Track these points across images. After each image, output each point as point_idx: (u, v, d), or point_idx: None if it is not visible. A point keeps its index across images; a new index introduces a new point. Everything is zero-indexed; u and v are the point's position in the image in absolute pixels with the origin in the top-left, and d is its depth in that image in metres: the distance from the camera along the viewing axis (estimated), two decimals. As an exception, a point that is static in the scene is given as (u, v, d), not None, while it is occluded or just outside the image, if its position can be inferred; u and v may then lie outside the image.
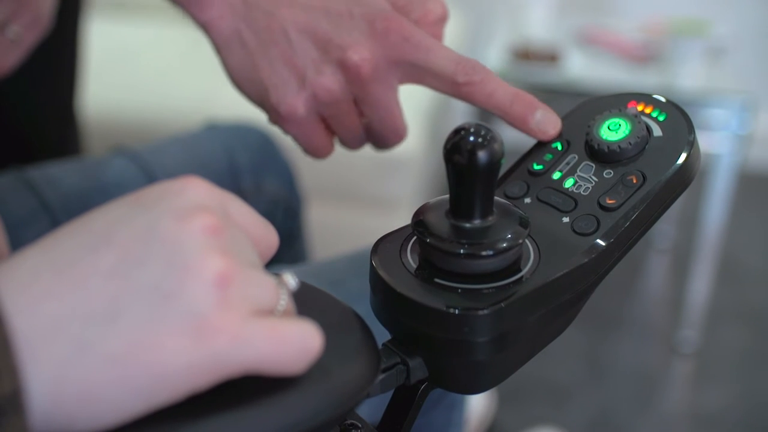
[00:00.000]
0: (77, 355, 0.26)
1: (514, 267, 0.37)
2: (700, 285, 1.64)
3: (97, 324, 0.26)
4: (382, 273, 0.37)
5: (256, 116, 0.58)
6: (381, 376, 0.35)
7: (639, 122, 0.42)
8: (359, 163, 1.49)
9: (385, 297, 0.37)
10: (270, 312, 0.29)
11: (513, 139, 0.46)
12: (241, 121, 0.82)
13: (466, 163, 0.36)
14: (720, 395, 1.57)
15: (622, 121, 0.43)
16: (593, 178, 0.42)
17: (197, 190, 0.29)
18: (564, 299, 0.38)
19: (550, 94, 1.58)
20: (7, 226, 0.55)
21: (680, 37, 1.67)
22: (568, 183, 0.42)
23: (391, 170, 1.52)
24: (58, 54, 0.96)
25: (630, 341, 1.74)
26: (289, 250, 0.81)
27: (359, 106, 0.50)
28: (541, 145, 0.45)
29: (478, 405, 1.36)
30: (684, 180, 0.41)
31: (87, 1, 1.00)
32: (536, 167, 0.44)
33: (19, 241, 0.57)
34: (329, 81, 0.48)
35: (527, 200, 0.42)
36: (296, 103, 0.49)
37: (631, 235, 0.40)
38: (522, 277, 0.37)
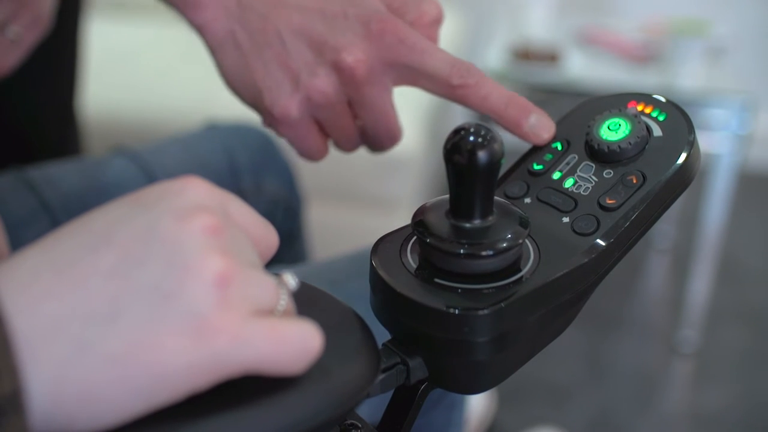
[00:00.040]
0: (77, 355, 0.26)
1: (514, 267, 0.37)
2: (700, 285, 1.64)
3: (97, 324, 0.26)
4: (382, 273, 0.37)
5: (256, 116, 0.58)
6: (381, 376, 0.35)
7: (639, 122, 0.42)
8: (359, 163, 1.49)
9: (385, 297, 0.37)
10: (270, 312, 0.29)
11: (513, 139, 0.46)
12: (241, 121, 0.82)
13: (466, 163, 0.36)
14: (720, 395, 1.57)
15: (622, 121, 0.43)
16: (593, 178, 0.42)
17: (197, 190, 0.29)
18: (564, 299, 0.38)
19: (550, 94, 1.58)
20: (7, 226, 0.55)
21: (680, 37, 1.67)
22: (568, 183, 0.42)
23: (391, 170, 1.52)
24: (58, 54, 0.96)
25: (630, 341, 1.74)
26: (289, 250, 0.81)
27: (354, 108, 0.50)
28: (541, 146, 0.45)
29: (478, 405, 1.36)
30: (684, 180, 0.41)
31: (87, 1, 1.00)
32: (536, 167, 0.44)
33: (19, 241, 0.57)
34: (323, 83, 0.47)
35: (527, 200, 0.42)
36: (290, 105, 0.48)
37: (631, 235, 0.40)
38: (522, 277, 0.37)
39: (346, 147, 0.53)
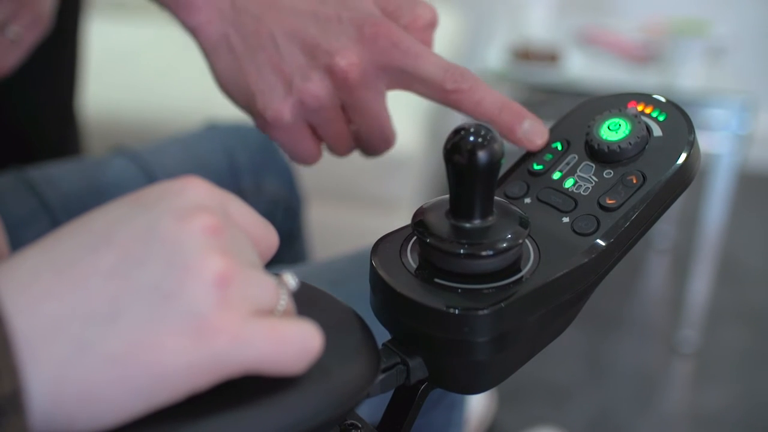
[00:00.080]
0: (77, 355, 0.26)
1: (514, 267, 0.37)
2: (700, 285, 1.64)
3: (97, 324, 0.26)
4: (382, 273, 0.37)
5: (255, 117, 0.58)
6: (381, 376, 0.35)
7: (639, 122, 0.42)
8: (359, 163, 1.48)
9: (385, 297, 0.37)
10: (270, 312, 0.29)
11: (513, 139, 0.46)
12: (241, 121, 0.82)
13: (466, 163, 0.36)
14: (720, 395, 1.57)
15: (622, 121, 0.43)
16: (593, 178, 0.42)
17: (197, 190, 0.29)
18: (564, 299, 0.38)
19: (550, 94, 1.58)
20: (7, 226, 0.55)
21: (680, 37, 1.67)
22: (568, 183, 0.42)
23: (391, 170, 1.52)
24: (58, 54, 0.96)
25: (630, 341, 1.74)
26: (289, 250, 0.81)
27: (347, 112, 0.49)
28: (535, 151, 0.45)
29: (478, 405, 1.36)
30: (684, 180, 0.41)
31: (87, 1, 1.00)
32: (536, 167, 0.44)
33: (19, 241, 0.57)
34: (316, 87, 0.47)
35: (527, 200, 0.42)
36: (282, 109, 0.48)
37: (631, 235, 0.40)
38: (522, 277, 0.37)
39: (340, 151, 0.52)
